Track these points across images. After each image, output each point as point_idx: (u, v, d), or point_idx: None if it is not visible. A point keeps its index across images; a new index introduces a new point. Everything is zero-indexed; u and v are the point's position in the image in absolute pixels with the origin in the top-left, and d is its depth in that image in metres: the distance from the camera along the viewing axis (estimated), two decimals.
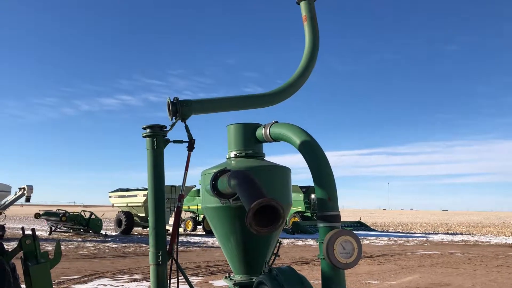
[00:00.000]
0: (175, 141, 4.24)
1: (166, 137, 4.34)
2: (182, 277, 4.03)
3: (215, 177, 3.47)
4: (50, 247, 20.20)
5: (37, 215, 28.12)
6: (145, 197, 28.29)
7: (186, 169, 4.17)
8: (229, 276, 3.97)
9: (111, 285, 10.47)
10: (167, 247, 4.08)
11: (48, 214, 28.08)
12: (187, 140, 4.18)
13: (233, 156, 3.99)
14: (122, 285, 10.48)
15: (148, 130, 4.21)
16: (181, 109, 3.93)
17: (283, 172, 3.93)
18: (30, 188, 22.78)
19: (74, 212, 28.43)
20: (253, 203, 2.54)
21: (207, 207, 3.87)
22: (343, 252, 3.10)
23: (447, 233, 37.41)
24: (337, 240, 3.09)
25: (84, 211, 28.58)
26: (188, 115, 4.01)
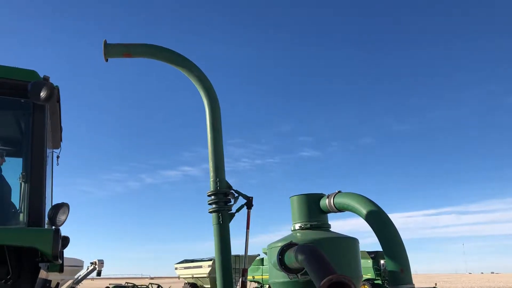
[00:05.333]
0: (238, 210, 4.36)
1: (231, 211, 4.44)
2: None
3: (282, 252, 3.46)
4: None
5: None
6: (210, 268, 28.18)
7: (248, 227, 4.29)
8: None
9: None
10: None
11: (117, 287, 28.54)
12: (245, 200, 4.32)
13: (298, 228, 3.98)
14: None
15: (214, 206, 4.33)
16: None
17: (351, 243, 3.86)
18: (101, 262, 23.42)
19: (142, 285, 28.73)
20: (323, 280, 2.50)
21: (275, 282, 3.83)
22: None
23: None
24: None
25: (151, 283, 28.82)
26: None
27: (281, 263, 3.44)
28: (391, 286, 3.18)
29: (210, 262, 28.44)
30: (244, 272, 4.32)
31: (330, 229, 4.03)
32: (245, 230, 4.42)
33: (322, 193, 4.05)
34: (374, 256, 36.84)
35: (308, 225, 3.92)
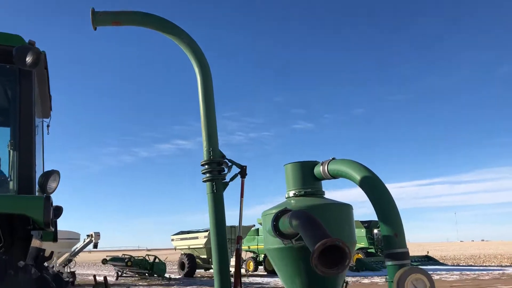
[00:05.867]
0: (232, 179, 4.34)
1: (225, 180, 4.42)
2: None
3: (276, 218, 3.45)
4: None
5: (104, 261, 29.02)
6: (206, 239, 28.48)
7: (242, 196, 4.29)
8: None
9: None
10: None
11: (114, 259, 28.87)
12: (239, 169, 4.31)
13: (292, 195, 3.96)
14: None
15: (207, 175, 4.30)
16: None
17: (345, 209, 3.85)
18: (98, 235, 23.63)
19: (139, 256, 29.06)
20: (317, 244, 2.50)
21: (270, 249, 3.84)
22: None
23: None
24: (408, 278, 2.96)
25: (148, 255, 29.14)
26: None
27: (276, 229, 3.44)
28: (386, 251, 3.19)
29: (206, 233, 28.71)
30: (239, 240, 4.33)
31: (324, 196, 4.03)
32: (239, 199, 4.40)
33: (316, 161, 4.02)
34: (368, 225, 37.43)
35: (302, 192, 3.91)
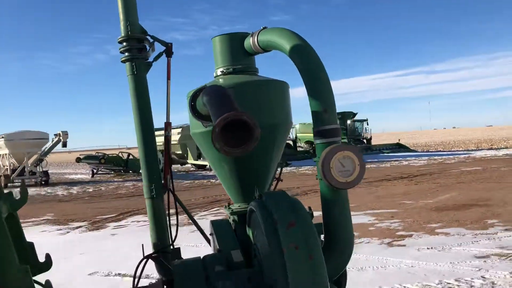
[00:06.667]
0: (155, 59, 3.81)
1: (148, 60, 3.88)
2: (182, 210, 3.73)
3: (194, 97, 3.00)
4: (91, 189, 20.87)
5: (78, 159, 29.08)
6: (179, 135, 28.47)
7: (168, 78, 3.81)
8: (229, 206, 3.63)
9: (144, 221, 10.58)
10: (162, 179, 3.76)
11: (88, 158, 28.94)
12: (164, 47, 3.78)
13: (220, 73, 3.48)
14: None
15: (126, 54, 3.75)
16: None
17: (279, 86, 3.41)
18: (65, 134, 23.26)
19: (112, 154, 29.12)
20: (218, 119, 2.09)
21: (194, 133, 3.46)
22: (342, 170, 2.64)
23: (490, 149, 36.13)
24: (335, 156, 2.63)
25: (122, 152, 29.20)
26: None
27: (194, 110, 3.02)
28: (314, 128, 2.82)
29: (180, 130, 28.64)
30: (167, 126, 3.90)
31: (258, 74, 3.56)
32: (166, 81, 3.90)
33: (246, 32, 3.48)
34: (341, 116, 37.91)
35: (231, 69, 3.43)
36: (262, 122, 3.27)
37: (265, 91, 3.33)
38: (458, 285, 4.49)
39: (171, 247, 3.51)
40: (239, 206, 3.49)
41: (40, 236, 9.37)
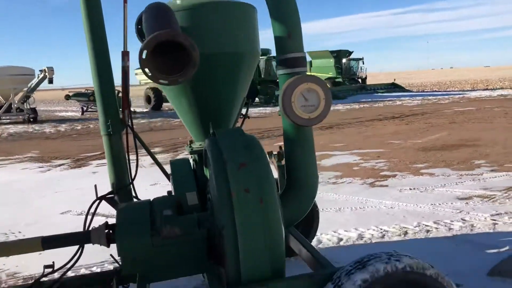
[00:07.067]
0: None
1: None
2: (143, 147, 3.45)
3: (140, 19, 2.63)
4: (79, 127, 20.56)
5: (67, 97, 28.56)
6: None
7: (125, 1, 3.39)
8: (190, 144, 3.35)
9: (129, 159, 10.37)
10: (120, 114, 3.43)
11: (77, 95, 28.40)
12: None
13: None
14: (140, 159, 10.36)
15: None
16: None
17: (244, 9, 3.02)
18: (51, 70, 22.56)
19: None
20: (148, 38, 1.74)
21: None
22: (305, 105, 2.34)
23: (486, 89, 35.74)
24: (297, 89, 2.31)
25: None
26: None
27: (141, 35, 2.65)
28: (277, 56, 2.47)
29: None
30: (124, 56, 3.51)
31: None
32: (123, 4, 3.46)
33: None
34: (336, 55, 37.08)
35: None
36: (223, 50, 2.91)
37: (227, 15, 2.94)
38: (436, 228, 4.33)
39: (131, 187, 3.27)
40: (200, 144, 3.21)
41: (21, 174, 9.17)
